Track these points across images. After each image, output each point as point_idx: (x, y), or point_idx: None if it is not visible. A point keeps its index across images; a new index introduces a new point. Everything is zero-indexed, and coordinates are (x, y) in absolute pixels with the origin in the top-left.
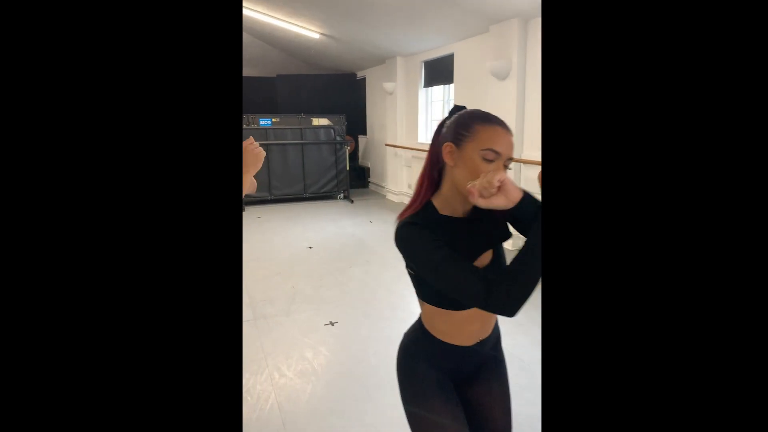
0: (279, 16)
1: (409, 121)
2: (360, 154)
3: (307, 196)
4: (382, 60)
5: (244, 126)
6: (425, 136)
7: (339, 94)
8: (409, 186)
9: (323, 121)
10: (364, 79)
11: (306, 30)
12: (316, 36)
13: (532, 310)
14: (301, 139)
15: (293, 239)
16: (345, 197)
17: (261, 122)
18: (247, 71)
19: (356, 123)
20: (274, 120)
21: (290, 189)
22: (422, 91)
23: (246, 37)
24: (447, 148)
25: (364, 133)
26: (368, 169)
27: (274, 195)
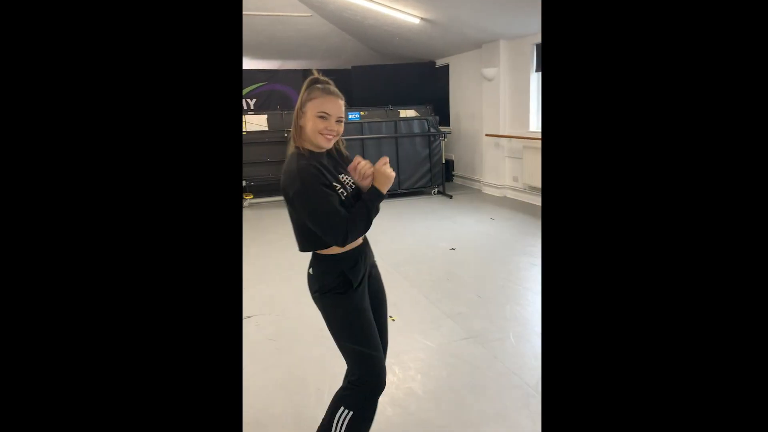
0: (380, 1)
1: (515, 108)
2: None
3: (401, 191)
4: (477, 45)
5: None
6: (538, 124)
7: (418, 83)
8: (515, 179)
9: (410, 113)
10: (446, 67)
11: (407, 15)
12: (416, 21)
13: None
14: (395, 133)
15: (427, 239)
16: (439, 192)
17: (350, 116)
18: (321, 63)
19: (436, 113)
20: (362, 113)
21: None
22: (533, 76)
23: (326, 27)
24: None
25: (446, 123)
26: (452, 161)
27: None
